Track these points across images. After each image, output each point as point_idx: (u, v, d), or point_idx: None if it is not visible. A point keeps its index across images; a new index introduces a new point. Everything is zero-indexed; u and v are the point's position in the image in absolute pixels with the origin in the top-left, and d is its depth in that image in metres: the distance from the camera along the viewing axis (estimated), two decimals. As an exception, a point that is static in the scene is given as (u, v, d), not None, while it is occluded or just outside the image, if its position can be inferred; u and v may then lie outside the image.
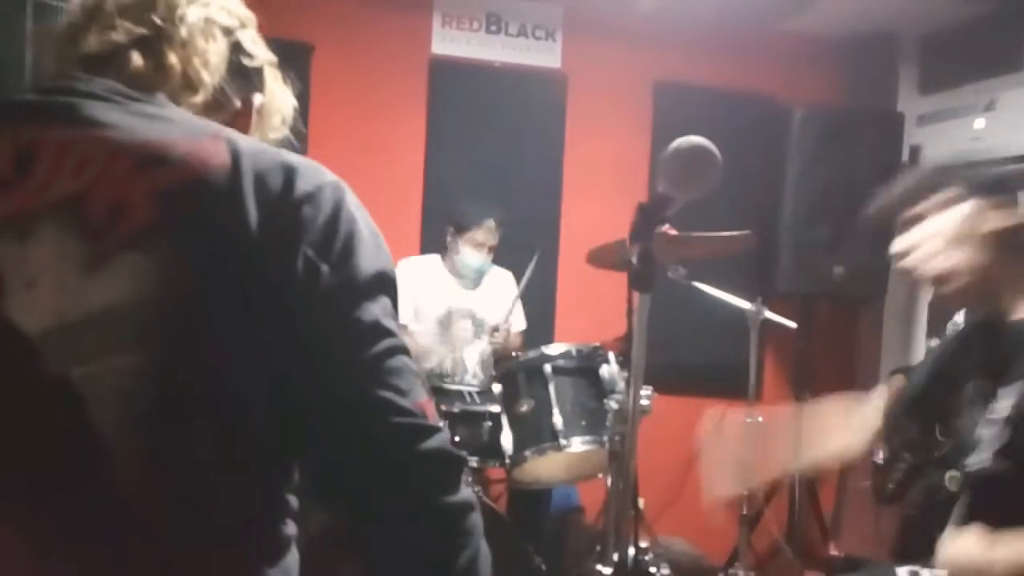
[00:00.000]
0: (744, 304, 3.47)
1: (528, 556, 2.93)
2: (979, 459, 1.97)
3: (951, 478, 2.20)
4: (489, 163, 4.47)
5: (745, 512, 3.47)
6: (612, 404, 2.51)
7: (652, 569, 3.09)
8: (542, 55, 4.61)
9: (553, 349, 3.26)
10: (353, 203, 1.03)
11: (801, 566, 4.42)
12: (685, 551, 4.32)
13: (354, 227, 1.01)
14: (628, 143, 4.63)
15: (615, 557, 1.91)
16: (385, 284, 1.03)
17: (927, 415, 2.77)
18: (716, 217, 3.02)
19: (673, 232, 2.89)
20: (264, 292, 0.96)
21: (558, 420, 3.08)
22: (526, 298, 4.19)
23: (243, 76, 1.16)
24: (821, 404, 2.28)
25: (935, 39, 4.47)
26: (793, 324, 3.73)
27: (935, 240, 1.93)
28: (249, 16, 1.19)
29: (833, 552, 4.27)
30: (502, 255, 4.08)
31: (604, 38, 4.61)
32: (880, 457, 3.37)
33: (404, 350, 1.02)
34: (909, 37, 4.59)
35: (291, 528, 1.07)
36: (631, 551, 1.90)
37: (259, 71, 1.19)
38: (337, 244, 0.99)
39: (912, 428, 3.04)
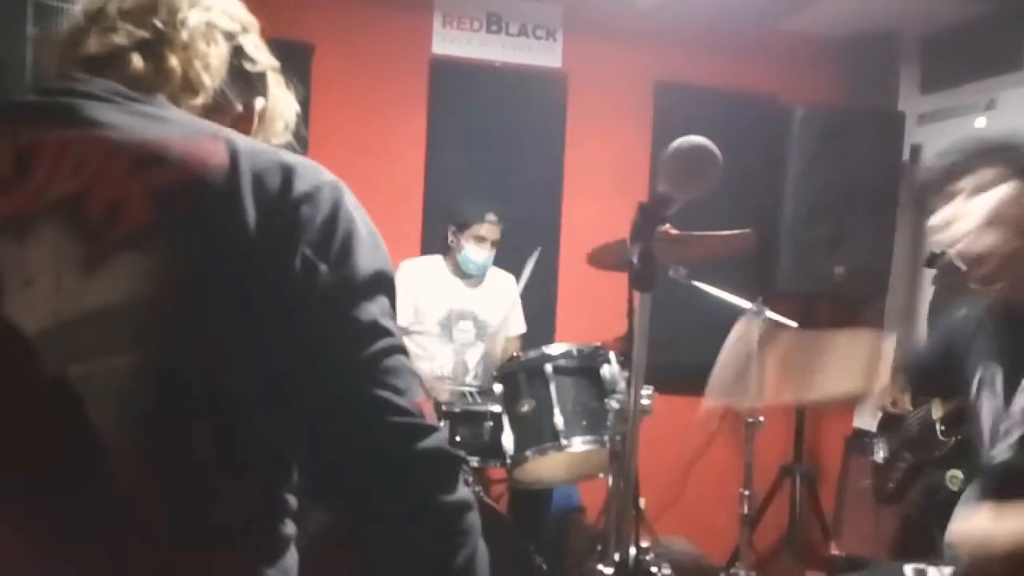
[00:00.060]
0: (745, 304, 3.47)
1: (529, 556, 2.93)
2: (1002, 449, 1.95)
3: (951, 477, 2.20)
4: (490, 163, 4.47)
5: (746, 512, 3.47)
6: (613, 404, 2.51)
7: (653, 569, 3.09)
8: (542, 55, 4.61)
9: (554, 349, 3.26)
10: (351, 203, 1.03)
11: (802, 566, 4.42)
12: (686, 551, 4.32)
13: (352, 227, 1.01)
14: (629, 143, 4.64)
15: (616, 557, 1.91)
16: (383, 284, 1.03)
17: (926, 387, 2.78)
18: (716, 217, 3.02)
19: (674, 232, 2.89)
20: (262, 291, 0.96)
21: (559, 420, 3.08)
22: (526, 298, 4.19)
23: (245, 80, 1.17)
24: (841, 337, 2.24)
25: (936, 38, 4.48)
26: (794, 324, 3.73)
27: (970, 219, 1.91)
28: (251, 21, 1.20)
29: (834, 552, 4.27)
30: (503, 256, 4.09)
31: (604, 38, 4.61)
32: (880, 457, 3.38)
33: (402, 349, 1.02)
34: (910, 36, 4.59)
35: (290, 528, 1.08)
36: (632, 551, 1.90)
37: (261, 76, 1.20)
38: (335, 244, 0.99)
39: (915, 391, 3.05)
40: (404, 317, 3.94)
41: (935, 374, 2.25)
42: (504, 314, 4.12)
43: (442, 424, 3.15)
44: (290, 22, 4.11)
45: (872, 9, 4.37)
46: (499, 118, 4.54)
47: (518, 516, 3.51)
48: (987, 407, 2.01)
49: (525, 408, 3.16)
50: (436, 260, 4.11)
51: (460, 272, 4.05)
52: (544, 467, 3.25)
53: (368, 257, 1.01)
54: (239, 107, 1.17)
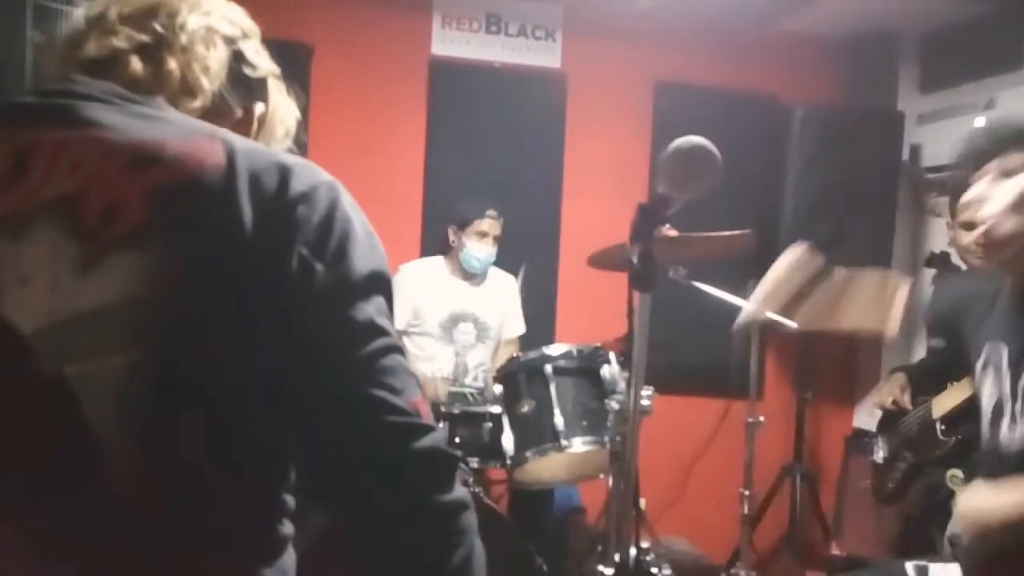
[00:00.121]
0: (745, 304, 3.47)
1: (529, 556, 2.93)
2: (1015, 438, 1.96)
3: (952, 477, 2.21)
4: (489, 163, 4.47)
5: (746, 512, 3.47)
6: (613, 404, 2.51)
7: (654, 569, 3.09)
8: (542, 55, 4.61)
9: (554, 349, 3.26)
10: (348, 203, 1.04)
11: (802, 566, 4.43)
12: (686, 551, 4.32)
13: (349, 227, 1.01)
14: (628, 143, 4.63)
15: (616, 557, 1.91)
16: (379, 283, 1.03)
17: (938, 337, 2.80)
18: (716, 217, 3.02)
19: (674, 233, 2.89)
20: (259, 291, 0.97)
21: (559, 420, 3.08)
22: (526, 298, 4.20)
23: (245, 85, 1.17)
24: (866, 274, 2.24)
25: (935, 38, 4.48)
26: (794, 324, 3.73)
27: (996, 203, 1.92)
28: (253, 28, 1.20)
29: (835, 552, 4.27)
30: (503, 257, 4.09)
31: (604, 38, 4.61)
32: (880, 457, 3.38)
33: (398, 349, 1.03)
34: (909, 36, 4.59)
35: (288, 528, 1.08)
36: (632, 551, 1.90)
37: (262, 82, 1.20)
38: (332, 243, 0.99)
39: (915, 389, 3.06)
40: (403, 319, 3.94)
41: (945, 326, 2.25)
42: (504, 315, 4.12)
43: (442, 425, 3.15)
44: (289, 23, 4.11)
45: (871, 9, 4.37)
46: (498, 119, 4.54)
47: (518, 517, 3.51)
48: (990, 386, 2.02)
49: (525, 409, 3.16)
50: (436, 261, 4.11)
51: (461, 273, 4.05)
52: (544, 468, 3.25)
53: (364, 257, 1.02)
54: (239, 112, 1.17)
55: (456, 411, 3.21)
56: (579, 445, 3.08)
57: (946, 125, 4.29)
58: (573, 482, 3.76)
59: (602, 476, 3.08)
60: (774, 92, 4.68)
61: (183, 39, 1.11)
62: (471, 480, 3.01)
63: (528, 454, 3.11)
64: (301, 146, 1.25)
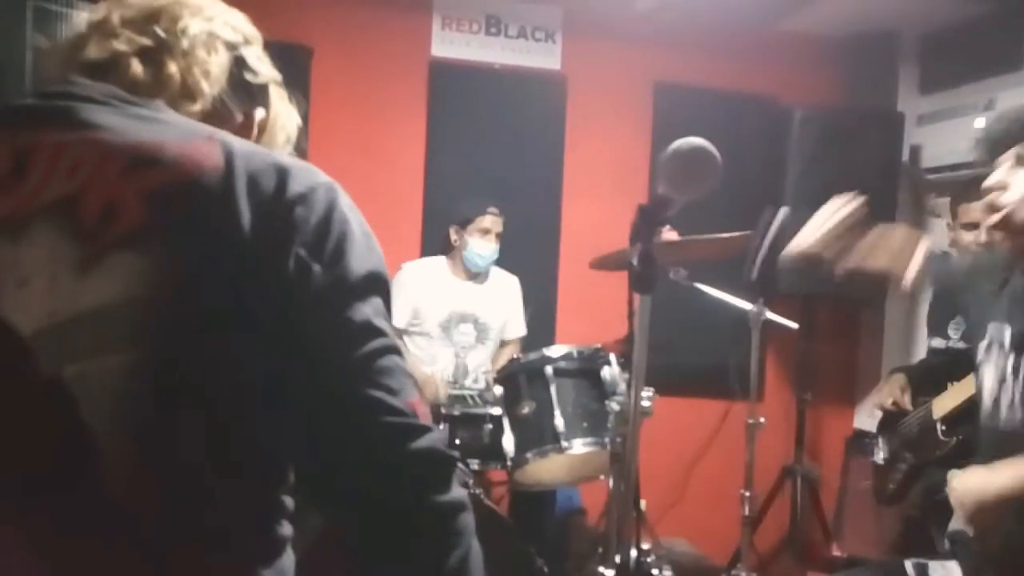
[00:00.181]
0: (745, 305, 3.48)
1: (530, 558, 2.93)
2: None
3: (952, 477, 2.21)
4: (489, 165, 4.47)
5: (747, 513, 3.47)
6: (613, 406, 2.51)
7: (654, 571, 3.09)
8: (542, 57, 4.61)
9: (554, 351, 3.25)
10: (346, 204, 1.04)
11: (803, 567, 4.42)
12: (687, 552, 4.32)
13: (346, 228, 1.02)
14: (628, 144, 4.64)
15: (617, 559, 1.91)
16: (377, 284, 1.03)
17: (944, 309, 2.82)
18: (716, 218, 3.02)
19: (674, 236, 2.90)
20: (257, 292, 0.97)
21: (559, 422, 3.08)
22: (527, 300, 4.20)
23: (246, 91, 1.18)
24: (897, 228, 2.27)
25: (935, 39, 4.48)
26: (795, 325, 3.73)
27: (1017, 189, 1.93)
28: (255, 34, 1.21)
29: (835, 553, 4.27)
30: (504, 258, 4.09)
31: (604, 39, 4.61)
32: (880, 458, 3.38)
33: (395, 350, 1.03)
34: (909, 37, 4.59)
35: (286, 529, 1.08)
36: (633, 553, 1.90)
37: (263, 88, 1.21)
38: (329, 244, 1.00)
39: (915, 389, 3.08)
40: (403, 319, 3.95)
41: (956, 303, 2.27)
42: (506, 317, 4.12)
43: (442, 427, 3.15)
44: (289, 25, 4.11)
45: (871, 10, 4.37)
46: (498, 120, 4.54)
47: (519, 518, 3.51)
48: (993, 366, 2.05)
49: (525, 410, 3.16)
50: (438, 261, 4.11)
51: (463, 273, 4.05)
52: (545, 469, 3.25)
53: (362, 258, 1.02)
54: (239, 117, 1.18)
55: (456, 413, 3.21)
56: (579, 446, 3.08)
57: (946, 126, 4.29)
58: (574, 483, 3.76)
59: (603, 477, 3.08)
60: (774, 93, 4.68)
61: (184, 44, 1.11)
62: (471, 482, 3.01)
63: (529, 455, 3.11)
64: (301, 153, 1.25)
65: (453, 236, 4.03)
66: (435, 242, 4.30)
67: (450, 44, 4.52)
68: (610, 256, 3.00)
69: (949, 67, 4.36)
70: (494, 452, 3.15)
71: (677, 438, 4.55)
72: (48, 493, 0.97)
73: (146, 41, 1.10)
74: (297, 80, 1.27)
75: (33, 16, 2.51)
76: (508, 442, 3.14)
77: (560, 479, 3.40)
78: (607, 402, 2.60)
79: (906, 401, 3.26)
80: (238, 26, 1.19)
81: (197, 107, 1.11)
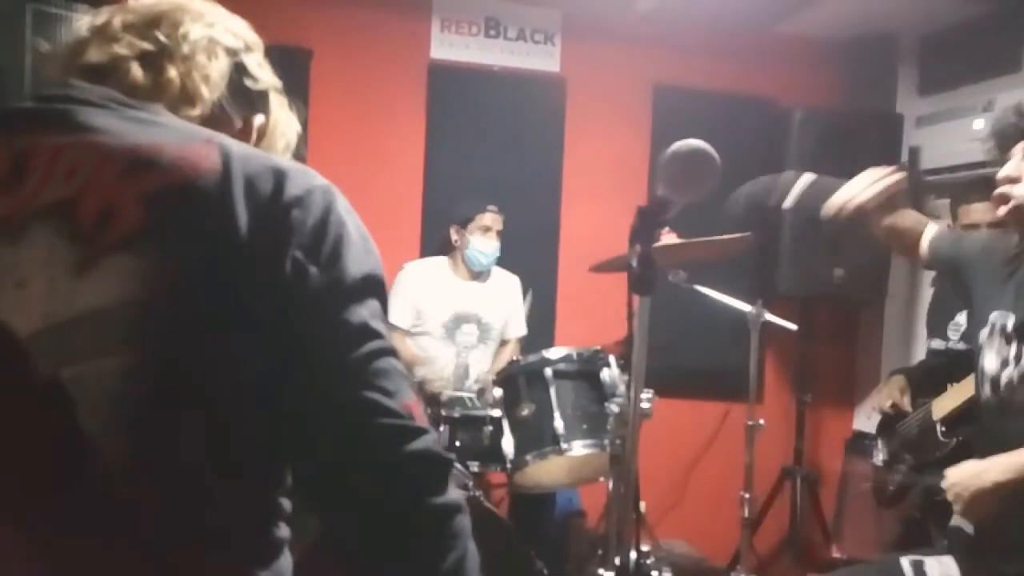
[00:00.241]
0: (744, 307, 3.47)
1: (530, 560, 2.93)
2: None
3: (949, 473, 2.22)
4: (489, 167, 4.47)
5: (747, 515, 3.47)
6: (613, 407, 2.51)
7: (654, 573, 3.08)
8: (541, 59, 4.61)
9: (554, 353, 3.25)
10: (343, 207, 1.04)
11: (803, 569, 4.42)
12: (687, 554, 4.32)
13: (343, 230, 1.02)
14: (627, 146, 4.64)
15: (617, 561, 1.91)
16: (373, 287, 1.04)
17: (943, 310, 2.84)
18: (716, 220, 3.02)
19: (674, 238, 2.90)
20: (254, 294, 0.97)
21: (559, 424, 3.08)
22: (526, 299, 4.20)
23: (245, 97, 1.19)
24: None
25: (934, 40, 4.48)
26: (794, 326, 3.73)
27: None
28: (256, 41, 1.22)
29: (835, 554, 4.27)
30: (504, 260, 4.09)
31: (603, 42, 4.61)
32: (879, 459, 3.38)
33: (392, 352, 1.03)
34: (908, 38, 4.59)
35: (284, 531, 1.08)
36: (633, 555, 1.90)
37: (263, 94, 1.21)
38: (326, 247, 1.00)
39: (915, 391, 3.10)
40: (405, 319, 3.95)
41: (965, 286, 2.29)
42: (507, 316, 4.12)
43: (442, 429, 3.15)
44: (288, 27, 4.11)
45: (870, 11, 4.37)
46: (498, 122, 4.54)
47: (519, 520, 3.51)
48: (995, 352, 2.08)
49: (525, 412, 3.16)
50: (439, 262, 4.11)
51: (464, 273, 4.05)
52: (544, 471, 3.25)
53: (358, 260, 1.02)
54: (238, 123, 1.18)
55: (456, 415, 3.21)
56: (579, 448, 3.08)
57: (945, 127, 4.29)
58: (573, 485, 3.76)
59: (602, 479, 3.08)
60: (773, 95, 4.68)
61: (185, 49, 1.12)
62: (471, 484, 3.01)
63: (528, 457, 3.11)
64: (300, 159, 1.25)
65: (454, 236, 4.03)
66: (434, 244, 4.30)
67: (449, 46, 4.52)
68: (610, 261, 3.00)
69: (948, 69, 4.36)
70: (494, 454, 3.15)
71: (677, 440, 4.55)
72: (47, 494, 0.97)
73: (147, 46, 1.11)
74: (296, 82, 1.28)
75: (32, 19, 2.52)
76: (508, 444, 3.13)
77: (560, 481, 3.40)
78: (607, 404, 2.60)
79: (905, 403, 3.26)
80: (239, 32, 1.19)
81: (196, 112, 1.12)
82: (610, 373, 3.12)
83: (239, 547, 1.03)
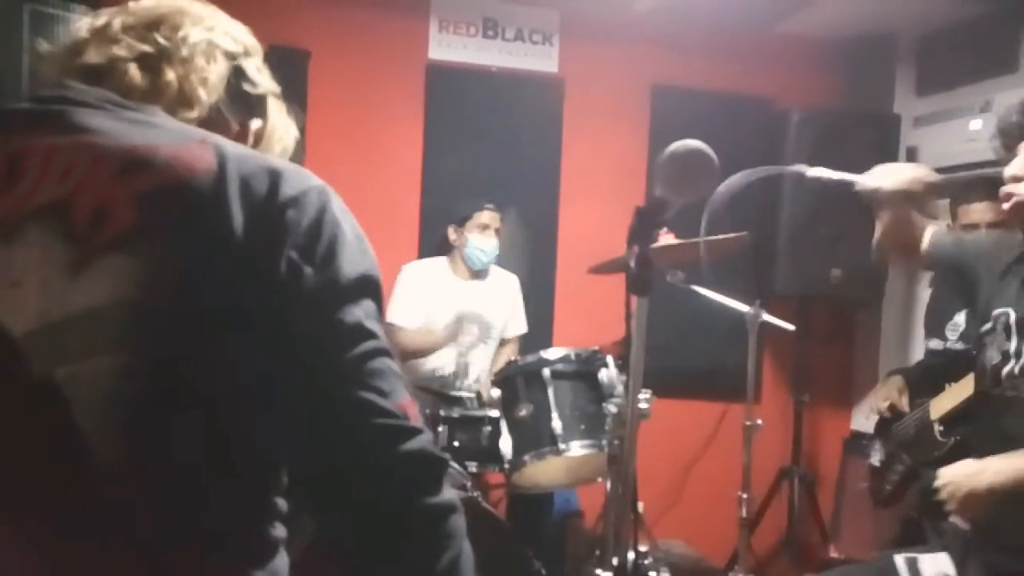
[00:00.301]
0: (742, 307, 3.48)
1: (528, 560, 2.93)
2: None
3: (943, 472, 2.23)
4: (487, 168, 4.47)
5: (744, 515, 3.47)
6: (611, 408, 2.51)
7: (652, 573, 3.09)
8: (539, 60, 4.61)
9: (552, 353, 3.25)
10: (338, 207, 1.04)
11: (800, 569, 4.42)
12: (685, 554, 4.32)
13: (338, 231, 1.02)
14: (626, 147, 4.64)
15: (615, 561, 1.91)
16: (369, 287, 1.04)
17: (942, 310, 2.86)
18: (714, 220, 3.02)
19: (672, 239, 2.90)
20: (248, 294, 0.97)
21: (557, 424, 3.08)
22: (524, 301, 4.20)
23: (243, 101, 1.19)
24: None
25: (931, 40, 4.48)
26: (791, 327, 3.74)
27: None
28: (255, 45, 1.22)
29: (833, 554, 4.27)
30: (502, 260, 4.09)
31: (601, 42, 4.61)
32: (876, 459, 3.39)
33: (386, 352, 1.03)
34: (905, 39, 4.60)
35: (280, 531, 1.08)
36: (631, 555, 1.90)
37: (261, 99, 1.22)
38: (321, 247, 1.00)
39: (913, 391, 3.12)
40: (415, 319, 3.94)
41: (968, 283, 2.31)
42: (508, 315, 4.12)
43: (441, 429, 3.15)
44: (286, 28, 4.11)
45: (867, 12, 4.37)
46: (496, 123, 4.54)
47: (517, 521, 3.51)
48: (996, 348, 2.10)
49: (523, 413, 3.16)
50: (438, 262, 4.11)
51: (464, 272, 4.05)
52: (542, 472, 3.25)
53: (353, 261, 1.02)
54: (235, 126, 1.18)
55: (455, 415, 3.21)
56: (577, 449, 3.08)
57: (943, 128, 4.30)
58: (571, 486, 3.76)
59: (600, 480, 3.08)
60: (771, 95, 4.69)
61: (184, 52, 1.12)
62: (469, 484, 3.01)
63: (526, 458, 3.11)
64: (298, 161, 1.25)
65: (452, 235, 4.03)
66: (432, 244, 4.30)
67: (447, 47, 4.52)
68: (608, 263, 3.01)
69: (945, 69, 4.37)
70: (492, 455, 3.15)
71: (674, 440, 4.55)
72: (44, 494, 0.97)
73: (146, 48, 1.11)
74: (294, 83, 1.28)
75: (30, 19, 2.51)
76: (506, 444, 3.14)
77: (558, 481, 3.40)
78: (604, 404, 2.60)
79: (903, 404, 3.26)
80: (239, 37, 1.20)
81: (193, 114, 1.12)
82: (608, 373, 3.13)
83: (235, 547, 1.04)
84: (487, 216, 3.95)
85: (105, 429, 0.95)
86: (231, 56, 1.17)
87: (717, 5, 4.41)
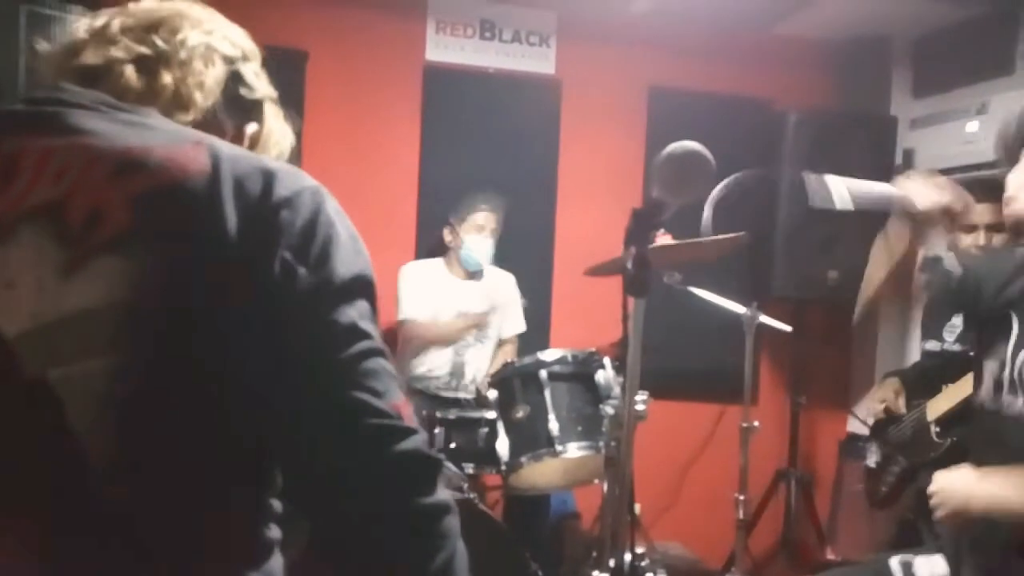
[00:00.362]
0: (739, 309, 3.48)
1: (525, 562, 2.92)
2: None
3: (939, 476, 2.22)
4: (484, 169, 4.47)
5: (741, 516, 3.47)
6: (608, 409, 2.51)
7: (649, 575, 3.09)
8: (536, 61, 4.61)
9: (549, 355, 3.25)
10: (332, 208, 1.04)
11: (797, 570, 4.43)
12: (682, 556, 4.32)
13: (332, 231, 1.02)
14: (622, 148, 4.64)
15: (611, 563, 1.91)
16: (363, 287, 1.04)
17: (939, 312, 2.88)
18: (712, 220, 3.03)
19: (669, 240, 2.89)
20: (243, 295, 0.97)
21: (554, 426, 3.08)
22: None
23: (239, 105, 1.19)
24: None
25: (927, 42, 4.49)
26: (788, 328, 3.74)
27: None
28: (253, 50, 1.22)
29: (829, 556, 4.27)
30: (500, 261, 4.09)
31: (598, 44, 4.62)
32: (872, 461, 3.39)
33: (381, 352, 1.03)
34: (902, 41, 4.60)
35: (275, 532, 1.08)
36: (627, 556, 1.90)
37: (258, 103, 1.22)
38: (315, 248, 1.00)
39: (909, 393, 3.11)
40: (424, 310, 3.96)
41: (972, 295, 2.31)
42: (504, 314, 4.12)
43: (437, 431, 3.14)
44: (284, 29, 4.11)
45: (864, 14, 4.38)
46: (493, 124, 4.54)
47: (514, 522, 3.51)
48: (995, 359, 2.08)
49: (520, 414, 3.16)
50: (435, 263, 4.11)
51: (460, 273, 4.05)
52: (539, 473, 3.24)
53: (347, 261, 1.02)
54: (230, 130, 1.18)
55: (451, 417, 3.20)
56: (574, 450, 3.08)
57: (939, 130, 4.30)
58: (568, 487, 3.76)
59: (597, 481, 3.08)
60: (768, 97, 4.69)
61: (182, 54, 1.12)
62: (466, 486, 3.00)
63: (523, 460, 3.10)
64: (295, 162, 1.25)
65: (448, 236, 4.03)
66: (429, 246, 4.30)
67: (444, 48, 4.52)
68: (605, 264, 3.00)
69: (942, 71, 4.38)
70: (489, 456, 3.15)
71: (671, 442, 4.55)
72: (37, 495, 0.97)
73: (144, 50, 1.12)
74: (292, 84, 1.28)
75: (26, 20, 2.51)
76: (503, 446, 3.13)
77: (555, 483, 3.40)
78: (601, 406, 2.60)
79: (900, 405, 3.26)
80: (237, 41, 1.20)
81: (189, 117, 1.12)
82: (605, 375, 3.13)
83: (230, 548, 1.04)
84: (482, 217, 3.95)
85: (98, 430, 0.95)
86: (229, 60, 1.17)
87: (714, 7, 4.42)
